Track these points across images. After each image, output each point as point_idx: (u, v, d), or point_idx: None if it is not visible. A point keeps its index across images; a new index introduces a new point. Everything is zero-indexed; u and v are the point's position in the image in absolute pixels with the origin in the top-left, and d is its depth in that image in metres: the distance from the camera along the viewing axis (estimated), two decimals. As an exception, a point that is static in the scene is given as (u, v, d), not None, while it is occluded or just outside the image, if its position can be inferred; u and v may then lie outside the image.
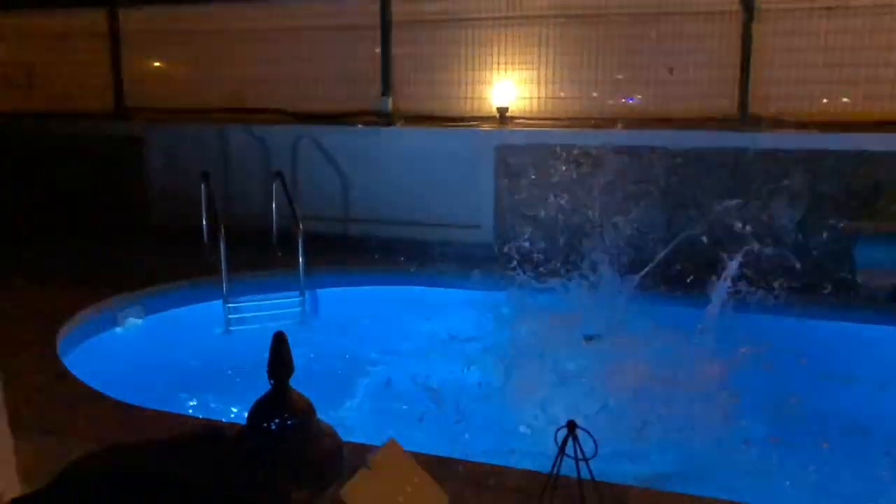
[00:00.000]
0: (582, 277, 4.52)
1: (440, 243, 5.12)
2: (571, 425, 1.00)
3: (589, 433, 1.00)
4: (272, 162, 5.41)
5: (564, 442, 0.99)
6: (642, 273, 3.97)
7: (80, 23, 6.23)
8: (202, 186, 4.78)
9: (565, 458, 0.99)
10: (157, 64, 6.25)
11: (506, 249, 5.01)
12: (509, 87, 5.23)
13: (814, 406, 3.34)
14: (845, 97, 4.65)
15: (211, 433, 1.16)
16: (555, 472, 0.99)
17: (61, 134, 6.10)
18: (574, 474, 1.01)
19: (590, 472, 0.99)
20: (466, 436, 3.14)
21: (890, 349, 3.95)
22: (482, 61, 5.32)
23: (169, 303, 4.40)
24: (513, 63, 5.26)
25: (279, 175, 4.90)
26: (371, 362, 4.09)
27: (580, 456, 0.99)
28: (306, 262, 4.57)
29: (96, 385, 3.03)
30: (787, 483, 2.88)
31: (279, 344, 1.14)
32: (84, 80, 6.24)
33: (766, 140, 4.57)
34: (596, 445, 1.00)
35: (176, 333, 4.25)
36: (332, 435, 1.16)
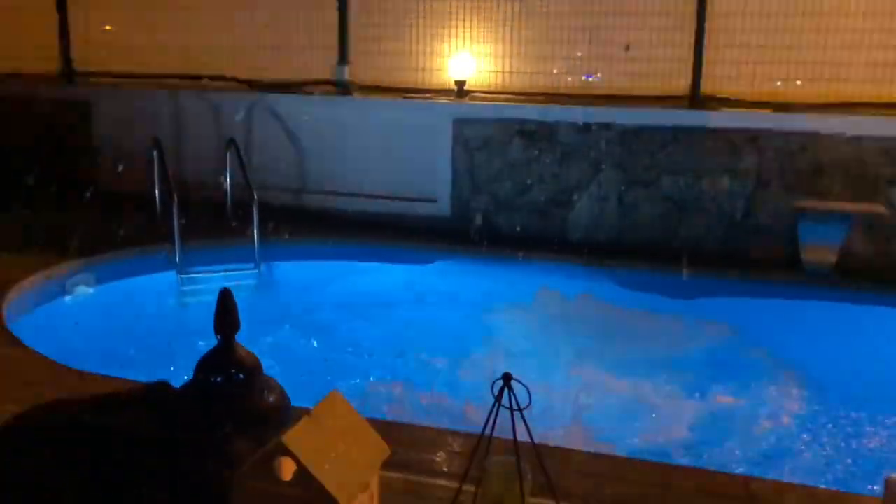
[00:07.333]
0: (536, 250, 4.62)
1: (396, 216, 5.12)
2: (507, 377, 1.04)
3: (524, 384, 1.04)
4: (226, 130, 5.32)
5: (500, 393, 1.03)
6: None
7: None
8: (154, 153, 4.69)
9: (499, 424, 1.03)
10: (106, 27, 6.06)
11: (461, 223, 5.05)
12: (468, 60, 5.23)
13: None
14: (796, 79, 4.77)
15: (156, 388, 1.17)
16: (492, 420, 1.04)
17: (5, 96, 5.90)
18: (509, 434, 1.06)
19: (524, 421, 1.04)
20: (410, 404, 3.20)
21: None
22: (441, 33, 5.30)
23: (121, 271, 4.33)
24: (472, 37, 5.25)
25: (233, 143, 4.84)
26: (322, 335, 4.10)
27: (515, 406, 1.03)
28: (261, 233, 4.54)
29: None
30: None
31: (225, 300, 1.16)
32: (29, 40, 6.02)
33: (718, 119, 4.68)
34: (530, 396, 1.05)
35: (127, 303, 4.19)
36: (279, 390, 1.19)
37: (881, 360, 3.72)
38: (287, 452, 0.94)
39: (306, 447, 0.95)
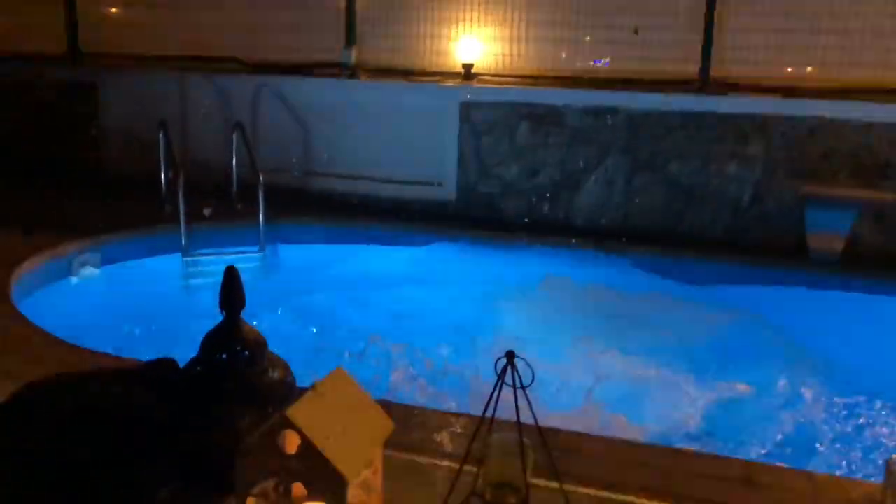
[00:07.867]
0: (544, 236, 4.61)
1: (402, 199, 5.12)
2: (510, 355, 1.05)
3: (527, 362, 1.04)
4: (232, 112, 5.31)
5: (503, 371, 1.04)
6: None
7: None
8: (160, 135, 4.69)
9: (503, 405, 1.04)
10: (112, 8, 6.04)
11: (468, 207, 5.05)
12: (476, 43, 5.20)
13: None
14: (806, 64, 4.73)
15: (161, 364, 1.18)
16: (495, 397, 1.04)
17: (11, 76, 5.90)
18: (513, 415, 1.06)
19: (527, 399, 1.04)
20: (413, 386, 3.22)
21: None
22: (449, 16, 5.26)
23: (126, 253, 4.35)
24: (480, 19, 5.22)
25: (239, 125, 4.83)
26: (326, 317, 4.11)
27: (518, 384, 1.03)
28: (266, 216, 4.54)
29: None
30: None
31: (231, 277, 1.16)
32: (35, 21, 6.01)
33: (727, 104, 4.64)
34: (533, 374, 1.05)
35: (133, 285, 4.21)
36: (284, 366, 1.19)
37: (887, 349, 3.71)
38: (291, 426, 0.95)
39: (310, 422, 0.96)
